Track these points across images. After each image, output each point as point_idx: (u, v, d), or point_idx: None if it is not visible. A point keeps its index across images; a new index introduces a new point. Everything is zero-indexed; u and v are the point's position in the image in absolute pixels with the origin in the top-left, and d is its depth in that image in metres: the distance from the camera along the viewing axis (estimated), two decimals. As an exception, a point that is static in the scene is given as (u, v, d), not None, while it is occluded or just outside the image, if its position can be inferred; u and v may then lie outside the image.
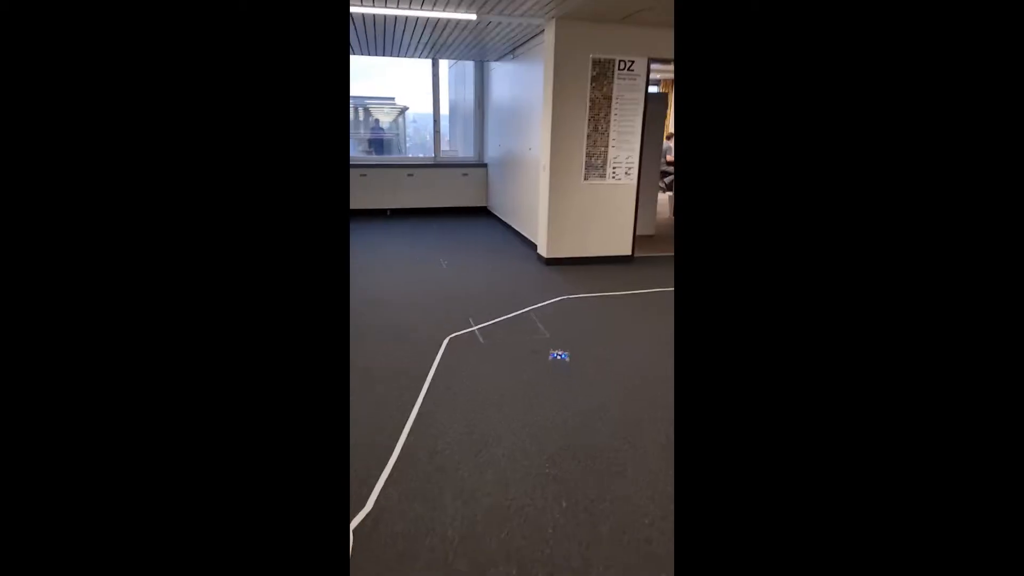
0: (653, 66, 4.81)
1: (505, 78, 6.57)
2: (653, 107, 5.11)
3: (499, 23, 4.65)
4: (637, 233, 5.16)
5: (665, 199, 7.78)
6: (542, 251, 5.01)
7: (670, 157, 8.23)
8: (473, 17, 4.31)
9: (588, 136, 4.69)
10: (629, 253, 5.11)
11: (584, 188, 4.81)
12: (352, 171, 7.20)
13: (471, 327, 3.37)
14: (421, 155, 8.12)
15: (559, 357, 3.15)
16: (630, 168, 4.86)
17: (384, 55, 6.56)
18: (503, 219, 6.96)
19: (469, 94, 7.88)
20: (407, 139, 9.30)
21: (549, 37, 4.47)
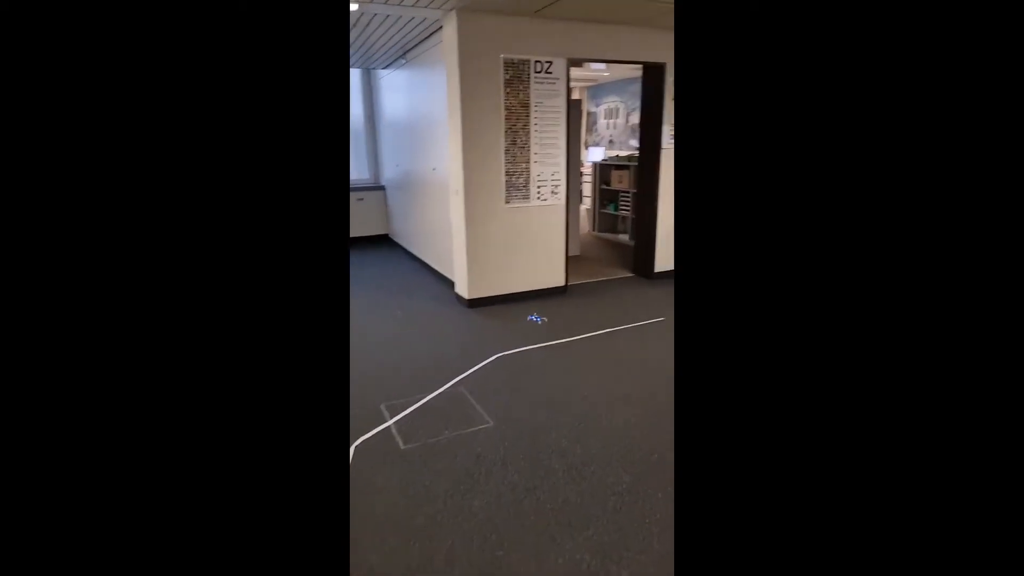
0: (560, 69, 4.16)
1: (397, 88, 5.68)
2: (571, 114, 4.46)
3: (386, 16, 3.77)
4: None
5: (584, 212, 7.26)
6: (462, 291, 4.16)
7: (583, 167, 7.77)
8: (354, 7, 3.40)
9: (506, 151, 3.93)
10: (563, 283, 4.41)
11: (506, 213, 4.04)
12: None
13: (385, 421, 2.45)
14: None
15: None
16: (557, 186, 4.17)
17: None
18: (409, 250, 6.03)
19: (357, 108, 6.88)
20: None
21: (449, 33, 3.67)
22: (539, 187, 4.11)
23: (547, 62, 3.89)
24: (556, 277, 4.37)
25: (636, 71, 6.87)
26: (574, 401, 2.60)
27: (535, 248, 4.21)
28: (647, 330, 3.55)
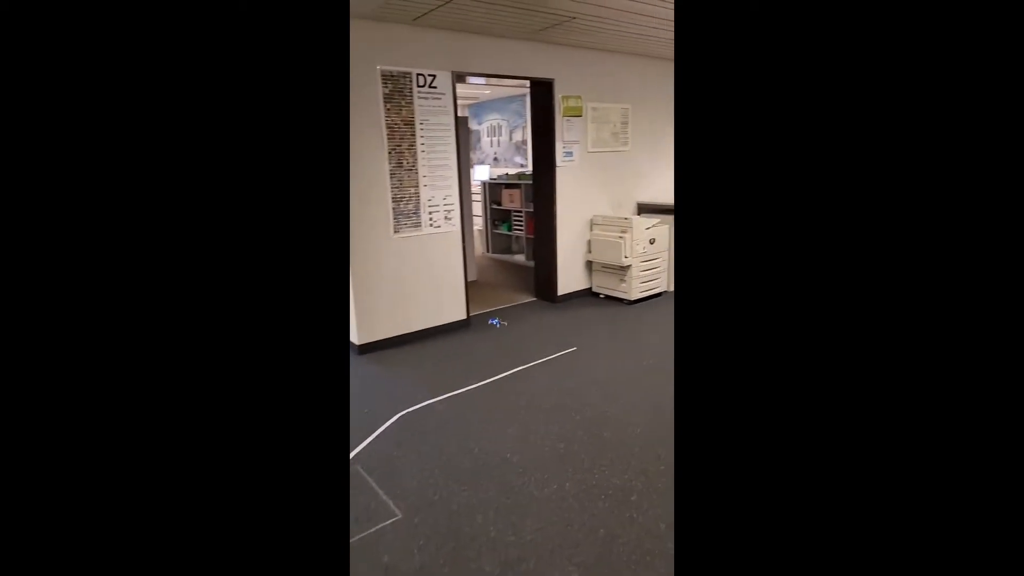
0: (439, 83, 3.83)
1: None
2: (460, 132, 4.13)
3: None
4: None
5: (476, 233, 6.95)
6: (352, 335, 3.62)
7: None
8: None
9: (392, 174, 3.48)
10: (465, 316, 4.03)
11: (396, 244, 3.58)
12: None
13: (258, 532, 1.87)
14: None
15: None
16: (451, 210, 3.80)
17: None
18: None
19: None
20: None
21: (315, 41, 3.16)
22: (431, 213, 3.70)
23: (431, 75, 3.52)
24: (457, 311, 3.97)
25: (516, 89, 6.77)
26: (497, 466, 2.21)
27: (431, 281, 3.79)
28: (561, 364, 3.28)
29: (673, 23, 3.52)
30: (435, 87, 3.55)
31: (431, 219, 3.71)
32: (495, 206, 6.69)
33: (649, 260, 4.48)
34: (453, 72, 3.62)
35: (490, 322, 4.03)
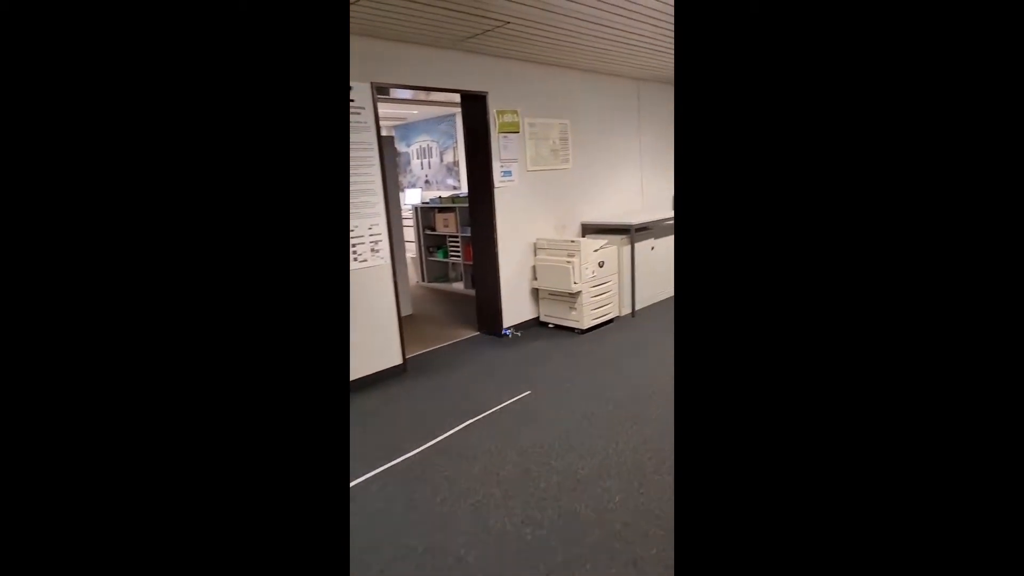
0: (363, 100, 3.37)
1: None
2: (385, 153, 3.65)
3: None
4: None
5: (409, 261, 6.43)
6: (262, 395, 3.00)
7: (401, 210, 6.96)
8: None
9: (304, 202, 2.94)
10: (401, 361, 3.51)
11: (314, 283, 3.03)
12: None
13: None
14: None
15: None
16: (378, 241, 3.30)
17: None
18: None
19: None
20: None
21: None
22: (354, 246, 3.19)
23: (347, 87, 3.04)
24: (391, 355, 3.45)
25: (445, 108, 6.38)
26: (449, 571, 1.72)
27: (359, 324, 3.26)
28: (516, 413, 2.84)
29: (607, 29, 3.25)
30: (352, 100, 3.08)
31: (355, 253, 3.19)
32: (429, 231, 6.22)
33: (599, 284, 4.16)
34: (373, 83, 3.16)
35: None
